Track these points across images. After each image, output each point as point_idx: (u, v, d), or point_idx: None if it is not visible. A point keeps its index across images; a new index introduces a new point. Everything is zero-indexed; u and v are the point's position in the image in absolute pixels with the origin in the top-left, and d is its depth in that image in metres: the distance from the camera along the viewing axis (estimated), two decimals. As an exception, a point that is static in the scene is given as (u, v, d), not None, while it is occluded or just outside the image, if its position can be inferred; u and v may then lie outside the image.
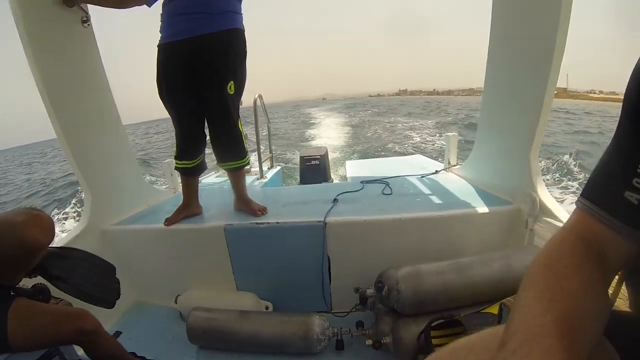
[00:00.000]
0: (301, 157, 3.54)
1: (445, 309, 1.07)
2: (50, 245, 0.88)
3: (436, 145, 11.04)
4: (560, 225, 1.18)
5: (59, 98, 1.40)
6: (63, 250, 0.98)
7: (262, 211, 1.47)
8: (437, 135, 13.19)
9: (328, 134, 15.15)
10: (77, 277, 0.94)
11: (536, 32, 1.25)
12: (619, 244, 0.38)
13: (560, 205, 1.26)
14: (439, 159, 2.74)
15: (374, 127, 17.45)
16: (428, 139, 12.80)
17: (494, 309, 1.06)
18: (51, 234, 0.81)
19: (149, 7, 1.42)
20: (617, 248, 0.39)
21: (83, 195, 1.58)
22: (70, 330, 0.80)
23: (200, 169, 1.55)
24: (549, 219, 1.24)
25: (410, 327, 1.06)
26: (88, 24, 1.58)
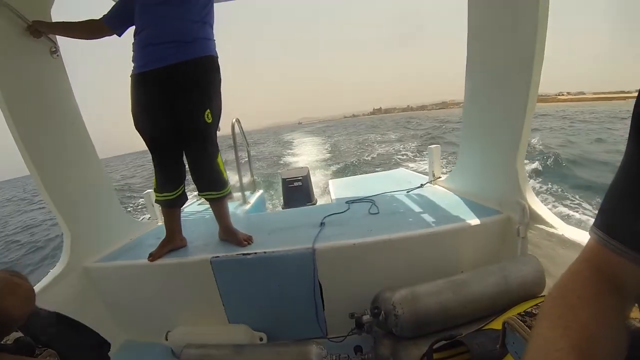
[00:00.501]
0: (283, 179, 3.46)
1: (445, 329, 1.04)
2: (42, 308, 0.84)
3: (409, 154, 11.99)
4: (552, 231, 1.18)
5: (29, 132, 1.34)
6: (52, 316, 0.91)
7: (248, 241, 1.43)
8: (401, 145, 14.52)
9: (308, 150, 15.55)
10: (65, 346, 0.87)
11: (514, 38, 1.25)
12: (635, 274, 0.37)
13: (550, 211, 1.26)
14: (408, 165, 2.75)
15: (347, 144, 18.06)
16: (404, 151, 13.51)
17: (496, 324, 1.04)
18: (28, 305, 0.74)
19: (119, 36, 1.39)
20: (634, 278, 0.38)
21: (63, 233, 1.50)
22: None
23: (182, 200, 1.50)
24: (540, 226, 1.24)
25: (411, 350, 1.03)
26: (57, 55, 1.53)
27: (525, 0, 1.16)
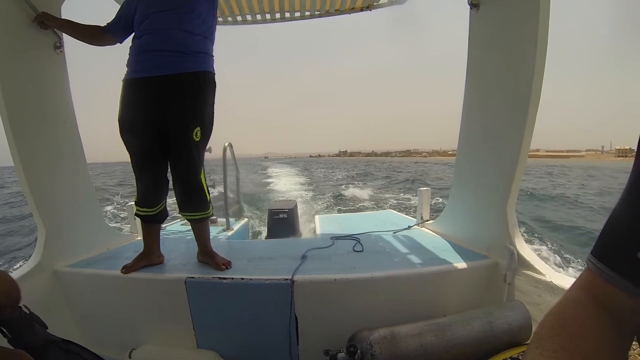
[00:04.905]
0: (269, 210, 3.42)
1: (425, 374, 0.99)
2: (53, 334, 0.81)
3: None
4: (540, 277, 1.17)
5: (21, 124, 1.31)
6: (67, 344, 0.86)
7: (227, 265, 1.37)
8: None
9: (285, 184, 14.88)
10: None
11: (511, 85, 1.28)
12: (632, 306, 0.36)
13: (539, 257, 1.25)
14: (408, 213, 2.72)
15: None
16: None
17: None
18: (8, 295, 0.73)
19: (121, 43, 1.38)
20: (631, 310, 0.37)
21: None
22: None
23: (162, 216, 1.44)
24: (528, 272, 1.22)
25: (387, 394, 0.97)
26: (61, 51, 1.53)
27: (524, 50, 1.20)
